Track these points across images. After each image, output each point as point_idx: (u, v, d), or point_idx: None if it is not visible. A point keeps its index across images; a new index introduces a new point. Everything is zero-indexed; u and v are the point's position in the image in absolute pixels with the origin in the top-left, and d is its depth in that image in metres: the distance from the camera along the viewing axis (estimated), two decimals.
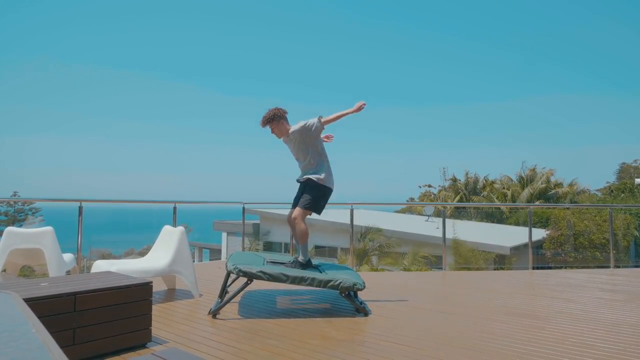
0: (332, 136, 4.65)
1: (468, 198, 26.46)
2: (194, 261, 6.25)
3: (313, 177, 4.26)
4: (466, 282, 6.04)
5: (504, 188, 26.94)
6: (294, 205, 4.43)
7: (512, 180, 27.64)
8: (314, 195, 4.26)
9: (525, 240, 8.28)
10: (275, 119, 4.26)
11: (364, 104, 4.16)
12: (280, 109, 4.31)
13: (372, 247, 14.45)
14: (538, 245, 13.39)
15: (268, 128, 4.34)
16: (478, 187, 27.36)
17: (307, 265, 4.32)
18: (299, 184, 4.45)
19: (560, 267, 11.03)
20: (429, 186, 30.85)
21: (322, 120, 4.22)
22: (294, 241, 8.22)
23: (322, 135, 4.42)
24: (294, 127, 4.29)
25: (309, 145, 4.27)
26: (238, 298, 4.49)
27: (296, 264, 4.29)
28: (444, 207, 8.94)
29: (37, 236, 4.55)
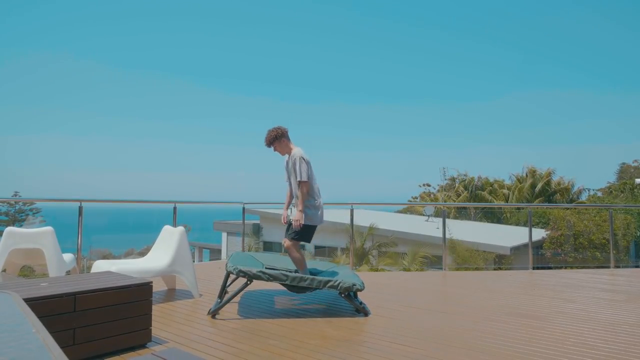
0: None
1: (468, 198, 26.48)
2: (194, 261, 6.25)
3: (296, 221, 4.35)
4: (466, 282, 6.04)
5: (504, 188, 26.98)
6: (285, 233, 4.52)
7: (512, 179, 27.70)
8: (300, 230, 4.35)
9: (525, 240, 8.28)
10: (277, 139, 4.42)
11: (298, 226, 4.24)
12: (281, 127, 4.47)
13: (371, 247, 14.47)
14: (538, 246, 13.40)
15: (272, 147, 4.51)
16: (478, 187, 27.40)
17: None
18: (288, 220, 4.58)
19: (560, 267, 11.04)
20: (428, 185, 30.90)
21: (300, 183, 4.29)
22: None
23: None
24: (295, 152, 4.38)
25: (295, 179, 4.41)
26: (238, 298, 4.50)
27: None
28: (446, 208, 8.94)
29: (37, 236, 4.55)
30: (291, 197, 4.63)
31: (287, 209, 4.72)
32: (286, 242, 4.39)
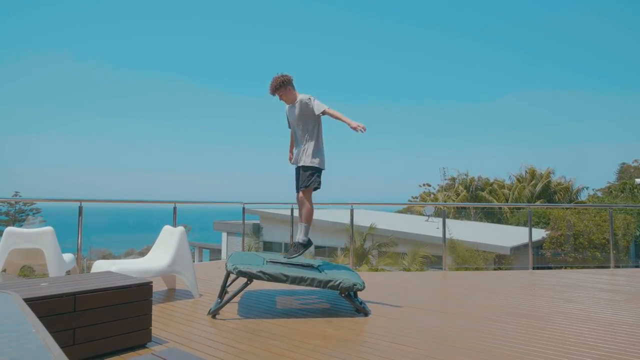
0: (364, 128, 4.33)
1: (468, 198, 26.48)
2: (194, 261, 6.25)
3: (307, 162, 4.38)
4: (466, 282, 6.04)
5: (504, 188, 26.98)
6: (297, 187, 4.57)
7: (512, 179, 27.72)
8: (311, 173, 4.39)
9: (525, 240, 8.29)
10: (283, 86, 4.35)
11: (364, 129, 4.15)
12: (287, 75, 4.40)
13: (371, 247, 14.47)
14: (538, 246, 13.41)
15: (277, 97, 4.48)
16: (478, 187, 27.42)
17: (306, 245, 4.42)
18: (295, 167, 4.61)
19: (560, 267, 11.04)
20: (428, 185, 30.92)
21: (325, 111, 4.29)
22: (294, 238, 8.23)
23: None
24: (302, 96, 4.39)
25: (307, 120, 4.37)
26: (238, 298, 4.50)
27: (297, 246, 4.34)
28: (446, 208, 8.94)
29: (37, 236, 4.55)
30: (294, 141, 4.59)
31: (291, 151, 4.73)
32: (300, 193, 4.42)
